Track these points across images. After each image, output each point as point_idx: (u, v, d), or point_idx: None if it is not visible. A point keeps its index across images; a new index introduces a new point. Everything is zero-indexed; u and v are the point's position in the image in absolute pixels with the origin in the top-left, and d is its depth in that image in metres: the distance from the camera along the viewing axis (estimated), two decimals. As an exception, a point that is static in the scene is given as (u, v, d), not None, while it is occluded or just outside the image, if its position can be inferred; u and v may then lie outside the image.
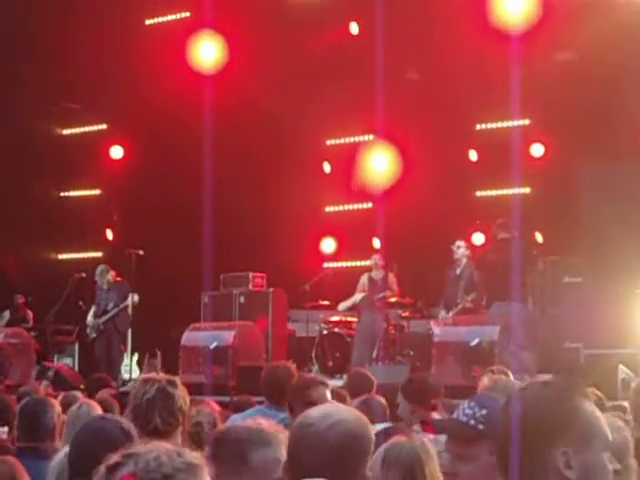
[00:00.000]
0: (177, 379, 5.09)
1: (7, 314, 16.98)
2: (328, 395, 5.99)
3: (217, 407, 7.45)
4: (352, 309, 15.24)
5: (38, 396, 6.94)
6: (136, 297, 14.69)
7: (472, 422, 3.23)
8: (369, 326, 14.53)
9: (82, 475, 3.70)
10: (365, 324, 14.63)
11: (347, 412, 2.94)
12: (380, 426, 5.94)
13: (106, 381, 10.58)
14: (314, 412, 2.95)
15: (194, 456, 2.06)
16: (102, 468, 2.06)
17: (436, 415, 6.30)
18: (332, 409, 2.98)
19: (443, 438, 3.44)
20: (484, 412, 3.22)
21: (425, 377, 7.78)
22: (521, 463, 2.48)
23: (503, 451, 2.53)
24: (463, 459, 3.23)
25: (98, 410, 5.99)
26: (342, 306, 15.21)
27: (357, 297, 15.00)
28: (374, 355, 14.23)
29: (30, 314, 17.29)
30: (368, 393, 7.38)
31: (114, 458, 2.05)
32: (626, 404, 6.86)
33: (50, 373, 12.39)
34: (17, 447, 5.76)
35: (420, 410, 6.37)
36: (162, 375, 5.03)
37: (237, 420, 6.46)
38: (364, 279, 15.04)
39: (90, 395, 8.86)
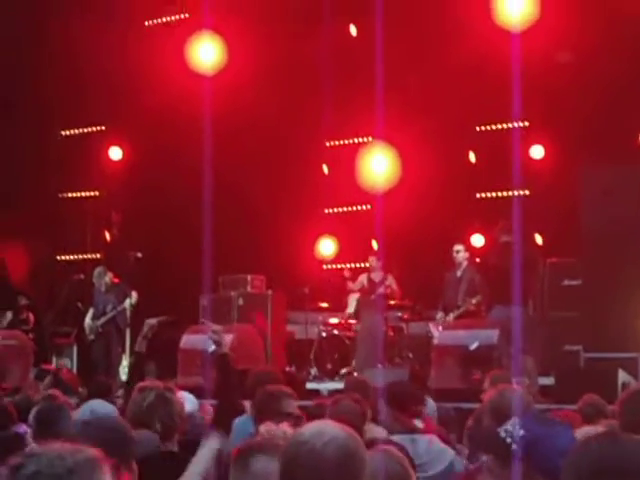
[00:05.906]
0: (173, 385, 5.16)
1: (9, 315, 16.85)
2: (295, 406, 5.90)
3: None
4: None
5: (55, 402, 6.84)
6: (135, 295, 14.59)
7: (509, 440, 3.13)
8: (370, 327, 14.46)
9: None
10: (366, 325, 14.56)
11: (340, 429, 2.87)
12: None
13: (108, 386, 10.44)
14: (306, 429, 2.89)
15: (94, 452, 2.16)
16: (4, 469, 2.10)
17: (418, 422, 6.21)
18: (324, 426, 2.91)
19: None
20: (522, 433, 3.13)
21: (406, 383, 7.68)
22: None
23: None
24: (496, 476, 3.17)
25: None
26: (350, 310, 15.07)
27: (353, 298, 14.94)
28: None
29: (32, 317, 17.19)
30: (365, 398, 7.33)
31: (16, 459, 2.10)
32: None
33: (49, 376, 12.23)
34: None
35: (402, 417, 6.28)
36: (158, 382, 5.09)
37: None
38: (363, 279, 14.96)
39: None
